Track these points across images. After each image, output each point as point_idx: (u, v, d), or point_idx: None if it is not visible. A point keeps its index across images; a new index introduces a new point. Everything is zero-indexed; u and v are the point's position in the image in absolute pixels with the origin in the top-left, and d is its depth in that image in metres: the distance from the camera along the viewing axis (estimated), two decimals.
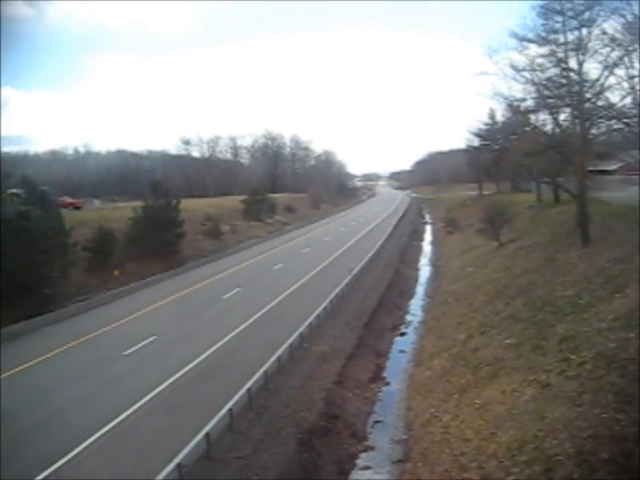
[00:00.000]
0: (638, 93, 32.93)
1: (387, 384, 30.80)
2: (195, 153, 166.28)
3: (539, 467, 16.04)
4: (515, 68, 42.11)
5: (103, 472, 19.44)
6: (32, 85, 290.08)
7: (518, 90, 44.38)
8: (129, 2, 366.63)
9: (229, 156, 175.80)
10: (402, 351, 36.19)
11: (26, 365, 30.91)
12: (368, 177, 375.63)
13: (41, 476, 19.25)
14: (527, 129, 50.65)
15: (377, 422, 26.33)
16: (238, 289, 48.46)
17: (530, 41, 41.28)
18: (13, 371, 29.90)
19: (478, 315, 35.60)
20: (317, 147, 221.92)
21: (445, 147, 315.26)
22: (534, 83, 42.37)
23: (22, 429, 22.95)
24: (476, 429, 20.83)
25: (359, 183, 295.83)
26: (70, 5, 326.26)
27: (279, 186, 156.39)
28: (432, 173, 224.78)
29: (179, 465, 18.28)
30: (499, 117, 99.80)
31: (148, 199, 64.04)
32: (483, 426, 20.75)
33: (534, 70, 41.67)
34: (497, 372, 24.96)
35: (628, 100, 34.98)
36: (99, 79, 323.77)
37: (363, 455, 23.24)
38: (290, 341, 31.50)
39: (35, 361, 31.63)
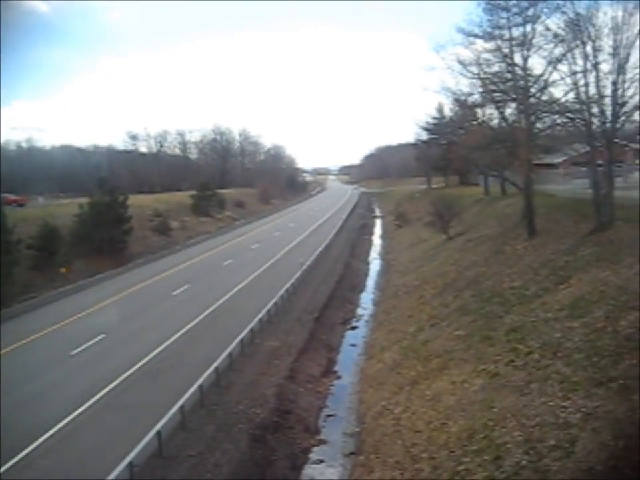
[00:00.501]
0: (580, 88, 33.65)
1: (339, 378, 30.92)
2: (143, 148, 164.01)
3: (488, 455, 16.32)
4: (462, 63, 42.61)
5: (53, 474, 19.08)
6: None
7: (465, 85, 44.92)
8: None
9: (177, 151, 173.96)
10: (353, 345, 36.35)
11: None
12: (318, 172, 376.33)
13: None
14: (474, 123, 51.39)
15: (329, 416, 26.42)
16: (187, 285, 48.05)
17: (476, 36, 41.79)
18: None
19: (428, 308, 35.99)
20: (267, 142, 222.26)
21: (394, 141, 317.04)
22: (480, 78, 42.93)
23: None
24: (427, 420, 21.07)
25: (309, 178, 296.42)
26: None
27: (229, 181, 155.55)
28: (381, 167, 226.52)
29: (130, 464, 18.03)
30: (447, 112, 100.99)
31: (94, 195, 63.03)
32: (433, 417, 21.01)
33: (480, 65, 42.23)
34: (447, 363, 25.30)
35: (571, 95, 35.69)
36: (42, 72, 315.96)
37: (315, 448, 23.29)
38: (241, 336, 31.34)
39: None
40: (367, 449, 22.01)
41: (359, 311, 44.20)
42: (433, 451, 18.72)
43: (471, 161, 64.01)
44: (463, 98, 48.05)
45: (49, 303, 45.26)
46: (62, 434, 21.98)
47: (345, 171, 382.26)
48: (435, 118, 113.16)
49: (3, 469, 19.30)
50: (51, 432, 21.97)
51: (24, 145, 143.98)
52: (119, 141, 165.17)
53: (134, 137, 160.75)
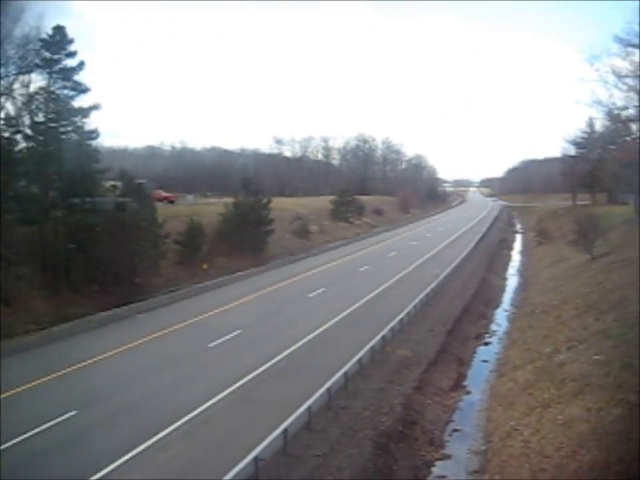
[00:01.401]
0: None
1: (468, 393, 30.36)
2: (287, 153, 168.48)
3: None
4: (617, 74, 40.67)
5: (184, 458, 19.97)
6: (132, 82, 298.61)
7: (619, 98, 42.95)
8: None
9: (320, 156, 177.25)
10: (485, 361, 35.61)
11: (115, 352, 32.09)
12: (459, 183, 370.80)
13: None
14: (627, 138, 48.95)
15: (455, 431, 25.99)
16: (323, 288, 48.79)
17: (636, 46, 39.67)
18: (101, 357, 31.21)
19: (565, 329, 34.63)
20: (409, 151, 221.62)
21: (539, 154, 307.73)
22: (637, 91, 40.78)
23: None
24: (557, 446, 20.29)
25: (449, 189, 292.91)
26: None
27: (369, 188, 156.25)
28: (524, 181, 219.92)
29: (255, 459, 18.49)
30: (598, 126, 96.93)
31: (239, 196, 65.34)
32: (565, 443, 20.19)
33: (638, 77, 40.07)
34: (583, 388, 24.22)
35: None
36: (196, 79, 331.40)
37: (439, 463, 22.95)
38: (372, 343, 31.44)
39: (124, 348, 32.80)
40: (492, 469, 21.48)
41: (493, 327, 43.21)
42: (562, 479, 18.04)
43: (621, 178, 60.98)
44: (616, 112, 45.90)
45: (190, 296, 47.37)
46: (194, 422, 22.90)
47: (487, 183, 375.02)
48: (584, 132, 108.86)
49: (136, 450, 20.35)
50: (184, 419, 22.92)
51: (177, 145, 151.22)
52: (265, 145, 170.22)
53: (279, 142, 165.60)
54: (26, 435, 21.31)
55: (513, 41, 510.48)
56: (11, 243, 38.72)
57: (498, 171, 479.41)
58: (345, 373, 26.97)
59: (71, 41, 43.95)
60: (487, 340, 39.99)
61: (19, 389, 26.15)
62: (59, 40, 43.62)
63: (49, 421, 22.50)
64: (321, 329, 36.20)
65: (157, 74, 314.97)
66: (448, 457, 23.51)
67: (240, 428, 22.21)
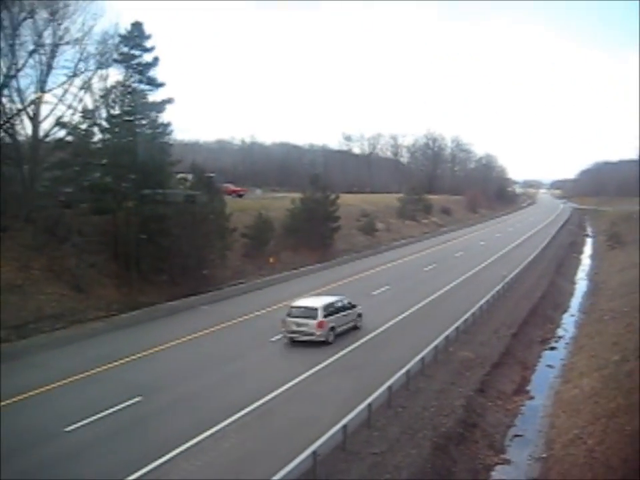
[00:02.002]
0: None
1: (531, 398, 29.84)
2: (356, 149, 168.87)
3: None
4: None
5: (241, 449, 20.28)
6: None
7: None
8: None
9: (388, 154, 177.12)
10: (550, 366, 34.99)
11: (180, 341, 33.02)
12: (528, 184, 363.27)
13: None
14: None
15: (516, 436, 25.58)
16: (387, 286, 48.79)
17: None
18: (167, 345, 32.16)
19: (635, 337, 33.66)
20: (478, 150, 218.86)
21: (613, 156, 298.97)
22: None
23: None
24: (623, 458, 19.74)
25: (518, 189, 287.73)
26: None
27: (437, 187, 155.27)
28: (597, 183, 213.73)
29: (314, 453, 18.61)
30: None
31: (307, 191, 65.78)
32: (631, 455, 19.62)
33: None
34: None
35: None
36: (268, 74, 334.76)
37: (498, 467, 22.62)
38: (435, 343, 31.20)
39: (189, 337, 33.76)
40: (553, 476, 21.11)
41: (560, 332, 42.38)
42: None
43: None
44: None
45: (256, 289, 48.15)
46: (254, 414, 23.20)
47: (558, 185, 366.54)
48: None
49: (197, 438, 20.73)
50: (245, 410, 23.26)
51: (247, 140, 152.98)
52: (334, 142, 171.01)
53: (348, 138, 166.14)
54: (93, 418, 22.06)
55: (585, 40, 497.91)
56: (84, 232, 40.04)
57: (570, 172, 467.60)
58: (407, 372, 26.85)
59: (148, 37, 45.20)
60: (553, 345, 39.26)
61: (88, 373, 27.17)
62: (136, 35, 44.82)
63: (115, 405, 23.22)
64: (384, 327, 36.25)
65: (230, 70, 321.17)
66: (508, 461, 23.16)
67: (301, 422, 22.33)
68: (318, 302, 34.41)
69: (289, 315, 33.26)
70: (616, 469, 19.24)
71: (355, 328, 35.60)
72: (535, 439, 25.27)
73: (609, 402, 25.35)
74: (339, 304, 34.81)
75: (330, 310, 33.49)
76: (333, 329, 33.20)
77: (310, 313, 32.77)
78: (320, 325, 32.31)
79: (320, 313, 32.61)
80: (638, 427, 21.45)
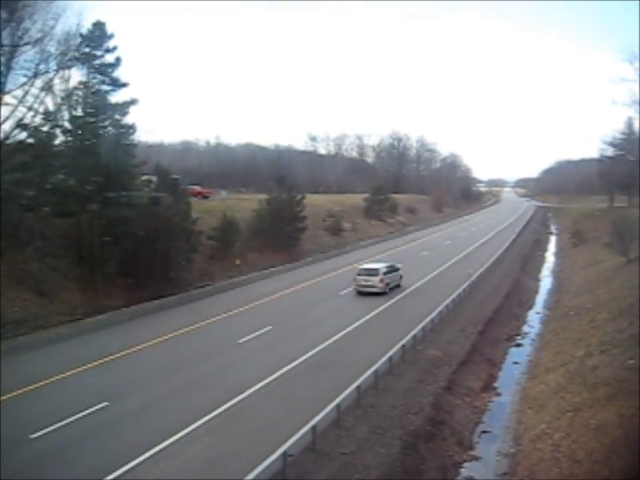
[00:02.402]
0: None
1: (498, 394, 30.08)
2: (321, 150, 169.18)
3: None
4: None
5: (214, 449, 20.18)
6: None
7: None
8: None
9: (354, 154, 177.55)
10: (516, 363, 35.29)
11: (145, 345, 32.58)
12: (493, 183, 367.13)
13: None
14: None
15: (484, 432, 25.76)
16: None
17: None
18: (133, 350, 31.74)
19: (599, 332, 34.14)
20: (443, 150, 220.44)
21: (575, 155, 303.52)
22: None
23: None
24: (589, 451, 19.99)
25: (483, 188, 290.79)
26: None
27: (402, 186, 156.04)
28: (560, 182, 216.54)
29: (284, 454, 18.53)
30: (637, 127, 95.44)
31: (273, 192, 65.65)
32: (596, 449, 19.88)
33: None
34: (616, 394, 23.83)
35: None
36: (232, 75, 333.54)
37: (467, 464, 22.75)
38: (402, 342, 31.29)
39: (155, 341, 33.31)
40: (521, 472, 21.28)
41: (525, 329, 42.79)
42: None
43: None
44: None
45: (222, 291, 47.91)
46: (225, 416, 23.05)
47: (522, 183, 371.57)
48: (623, 133, 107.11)
49: (165, 443, 20.49)
50: (215, 412, 23.11)
51: (212, 141, 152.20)
52: (299, 142, 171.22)
53: (314, 139, 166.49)
54: (59, 424, 21.71)
55: (548, 40, 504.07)
56: (47, 235, 39.36)
57: (533, 171, 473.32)
58: (375, 371, 26.88)
59: (110, 37, 44.58)
60: (519, 342, 39.62)
61: (52, 379, 26.68)
62: (98, 35, 44.20)
63: (81, 411, 22.88)
64: (351, 327, 36.19)
65: (194, 71, 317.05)
66: (476, 458, 23.31)
67: (268, 424, 22.19)
68: (378, 265, 48.20)
69: (358, 274, 46.40)
70: (582, 462, 19.45)
71: (398, 286, 47.87)
72: (502, 435, 25.47)
73: (574, 397, 25.65)
74: (391, 267, 48.10)
75: (386, 271, 46.49)
76: (387, 284, 45.76)
77: (374, 272, 46.18)
78: (381, 280, 45.26)
79: (381, 272, 45.95)
80: (602, 421, 21.77)
